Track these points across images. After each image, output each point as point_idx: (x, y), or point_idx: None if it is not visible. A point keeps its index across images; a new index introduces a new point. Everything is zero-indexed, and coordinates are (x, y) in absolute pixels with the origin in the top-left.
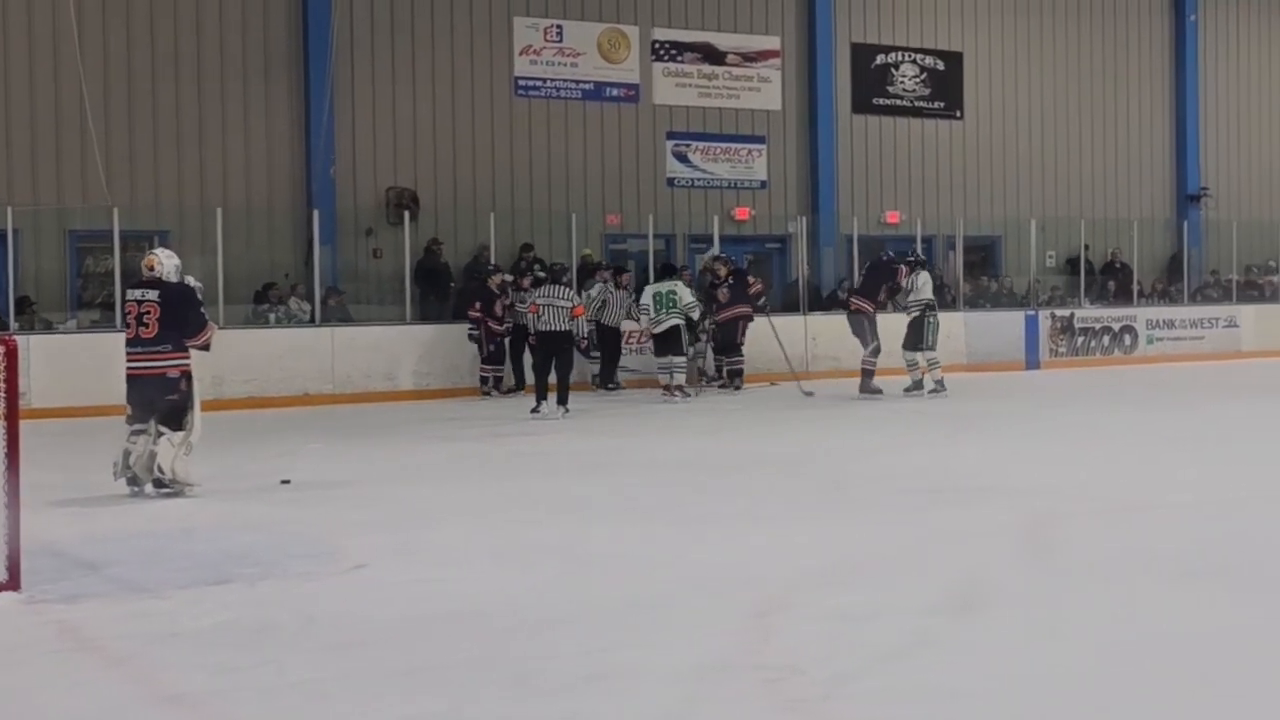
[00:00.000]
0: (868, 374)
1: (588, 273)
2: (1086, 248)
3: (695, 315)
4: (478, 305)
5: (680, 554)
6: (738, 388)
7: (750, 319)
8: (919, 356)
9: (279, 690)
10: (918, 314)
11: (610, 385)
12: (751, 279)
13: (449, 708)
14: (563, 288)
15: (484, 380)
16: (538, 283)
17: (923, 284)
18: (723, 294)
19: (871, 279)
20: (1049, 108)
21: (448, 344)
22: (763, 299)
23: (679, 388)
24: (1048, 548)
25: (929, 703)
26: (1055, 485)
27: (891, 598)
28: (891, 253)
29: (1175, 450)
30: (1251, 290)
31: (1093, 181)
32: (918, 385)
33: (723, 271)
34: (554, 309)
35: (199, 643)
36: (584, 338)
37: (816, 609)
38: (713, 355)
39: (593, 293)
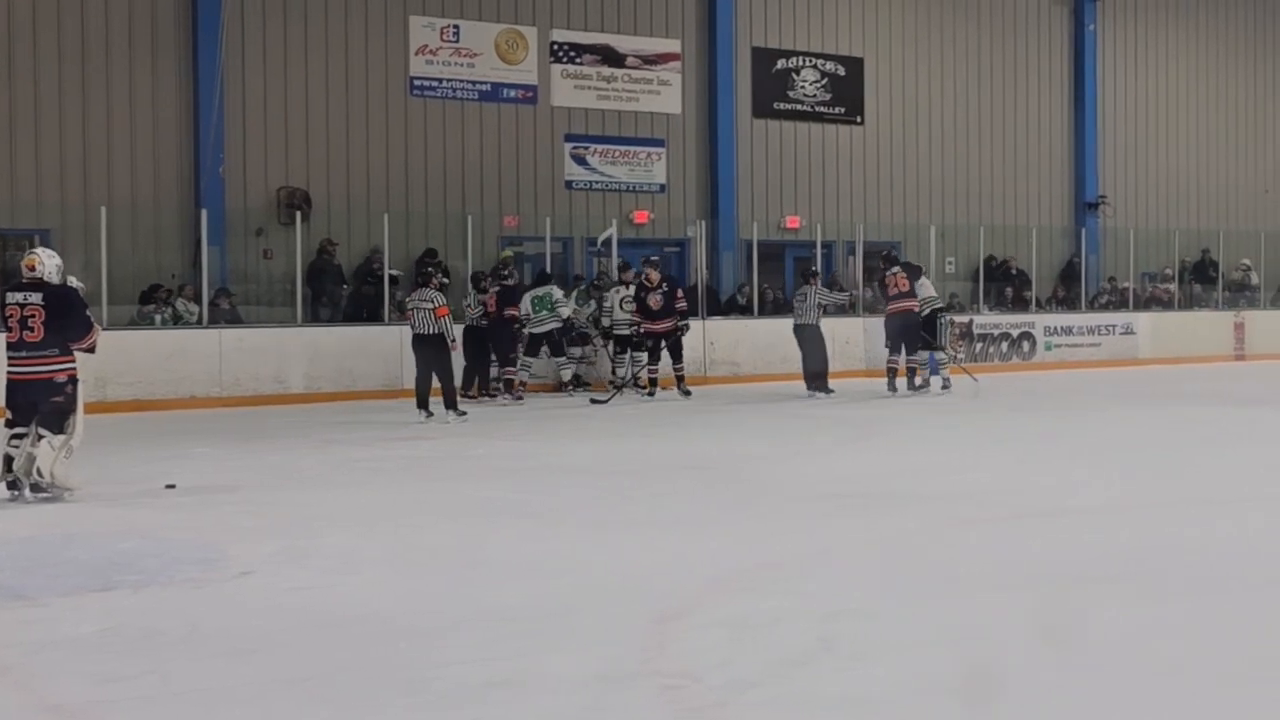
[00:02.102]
0: (934, 371)
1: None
2: (993, 259)
3: (565, 313)
4: None
5: (581, 560)
6: (687, 393)
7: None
8: (941, 355)
9: (163, 700)
10: (929, 314)
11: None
12: (680, 293)
13: (339, 715)
14: (429, 290)
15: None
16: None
17: (926, 285)
18: (655, 300)
19: (913, 280)
20: (949, 114)
21: (340, 346)
22: (685, 319)
23: (566, 384)
24: (952, 554)
25: (826, 710)
26: (959, 491)
27: (793, 604)
28: (895, 252)
29: (1076, 456)
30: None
31: (992, 188)
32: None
33: (655, 278)
34: (420, 312)
35: (80, 651)
36: (453, 339)
37: (718, 615)
38: (642, 360)
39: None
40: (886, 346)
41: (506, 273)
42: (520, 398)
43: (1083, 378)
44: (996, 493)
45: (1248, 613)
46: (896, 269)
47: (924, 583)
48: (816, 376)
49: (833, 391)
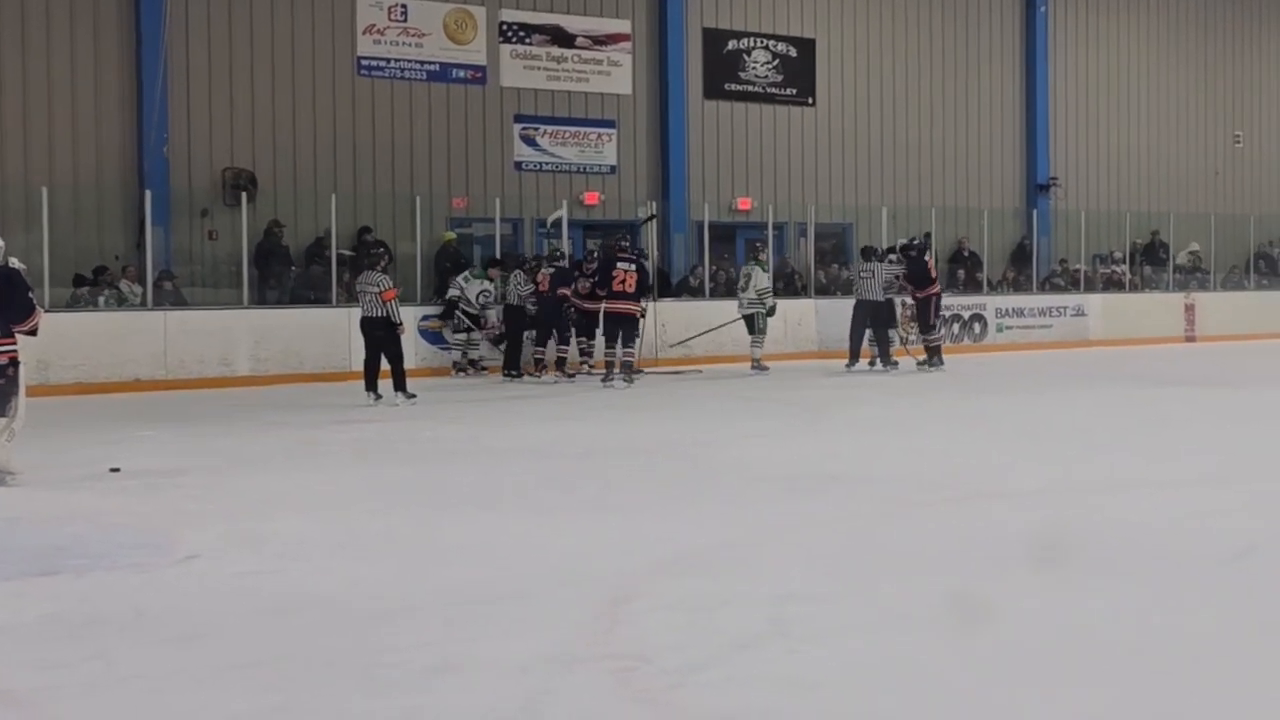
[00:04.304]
0: (935, 350)
1: (448, 256)
2: (928, 235)
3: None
4: None
5: (532, 543)
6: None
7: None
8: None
9: (108, 686)
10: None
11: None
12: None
13: (286, 701)
14: (375, 273)
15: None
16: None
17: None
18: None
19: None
20: (901, 95)
21: (286, 328)
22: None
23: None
24: (903, 536)
25: (778, 691)
26: (907, 473)
27: (745, 586)
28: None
29: (1029, 438)
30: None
31: (944, 170)
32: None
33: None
34: (366, 296)
35: (23, 637)
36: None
37: (668, 598)
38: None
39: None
40: (933, 325)
41: (560, 255)
42: (573, 376)
43: (1034, 359)
44: (948, 475)
45: (1203, 593)
46: (927, 255)
47: (875, 565)
48: (883, 351)
49: (896, 365)
